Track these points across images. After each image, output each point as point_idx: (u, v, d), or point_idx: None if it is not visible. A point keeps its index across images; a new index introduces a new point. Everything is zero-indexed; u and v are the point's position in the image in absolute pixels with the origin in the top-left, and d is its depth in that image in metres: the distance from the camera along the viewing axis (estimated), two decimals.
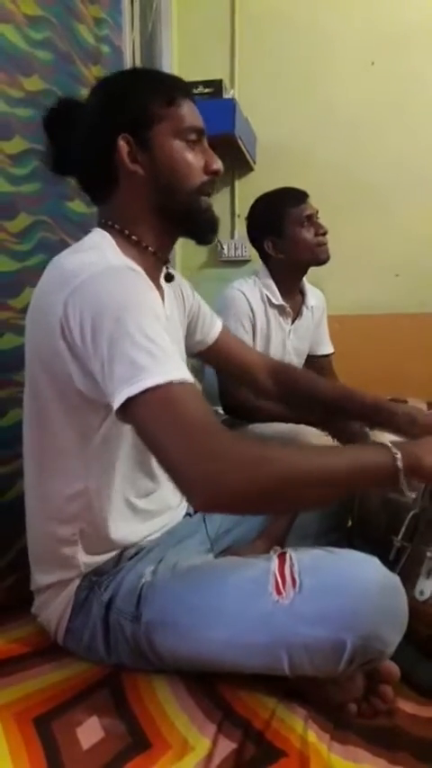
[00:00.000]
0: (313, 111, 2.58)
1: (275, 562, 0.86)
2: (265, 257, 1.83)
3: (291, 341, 1.88)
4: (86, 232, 1.00)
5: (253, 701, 0.89)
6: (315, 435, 1.53)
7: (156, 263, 1.02)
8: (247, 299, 1.75)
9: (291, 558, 0.86)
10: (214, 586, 0.89)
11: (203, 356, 1.29)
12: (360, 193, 2.57)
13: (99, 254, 0.89)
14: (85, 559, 0.98)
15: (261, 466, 0.76)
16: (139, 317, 0.79)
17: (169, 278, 1.07)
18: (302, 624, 0.80)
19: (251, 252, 2.62)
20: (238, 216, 2.69)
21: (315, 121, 2.58)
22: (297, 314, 1.89)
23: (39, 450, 0.97)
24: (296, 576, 0.83)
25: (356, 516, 1.29)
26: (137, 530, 1.03)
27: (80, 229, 1.50)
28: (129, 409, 0.77)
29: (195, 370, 2.03)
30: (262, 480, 0.75)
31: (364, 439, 1.39)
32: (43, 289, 0.90)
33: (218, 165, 1.00)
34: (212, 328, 1.26)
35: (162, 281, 1.07)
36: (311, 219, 1.76)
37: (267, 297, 1.80)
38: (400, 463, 0.80)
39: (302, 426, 1.56)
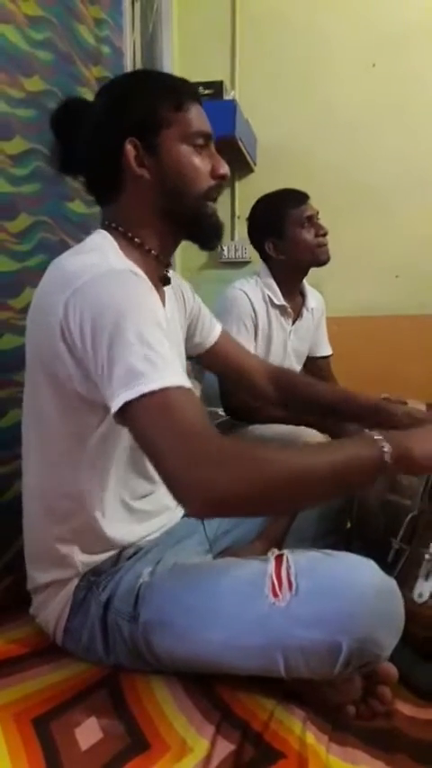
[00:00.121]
0: (313, 113, 2.59)
1: (272, 564, 0.86)
2: (265, 258, 1.83)
3: (291, 341, 1.88)
4: (87, 232, 1.00)
5: (251, 702, 0.89)
6: (315, 437, 1.53)
7: (157, 267, 1.02)
8: (250, 299, 1.76)
9: (287, 561, 0.85)
10: (211, 587, 0.89)
11: (202, 359, 1.29)
12: (360, 194, 2.57)
13: (101, 256, 0.89)
14: (82, 558, 0.98)
15: (254, 471, 0.75)
16: (139, 322, 0.79)
17: (166, 281, 1.07)
18: (298, 626, 0.80)
19: (251, 253, 2.63)
20: (239, 217, 2.70)
21: (315, 123, 2.59)
22: (298, 315, 1.89)
23: (37, 450, 0.97)
24: (293, 579, 0.83)
25: (355, 518, 1.29)
26: (134, 530, 1.03)
27: (80, 230, 1.50)
28: (126, 413, 0.77)
29: (196, 372, 2.03)
30: (258, 483, 0.75)
31: None
32: (44, 289, 0.90)
33: (225, 169, 0.99)
34: (212, 331, 1.26)
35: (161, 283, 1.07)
36: (312, 220, 1.76)
37: (269, 297, 1.80)
38: (387, 456, 0.79)
39: (303, 428, 1.56)
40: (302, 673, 0.82)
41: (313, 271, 1.84)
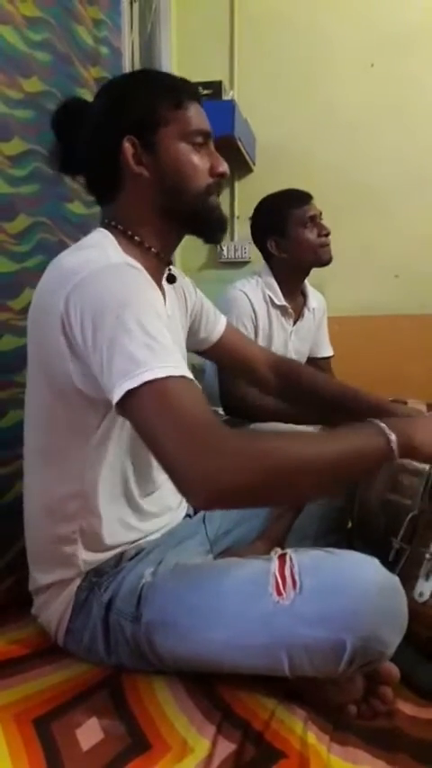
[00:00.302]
0: (313, 113, 2.59)
1: (276, 563, 0.86)
2: (267, 257, 1.84)
3: (292, 342, 1.88)
4: (86, 233, 1.00)
5: (252, 702, 0.89)
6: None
7: (158, 265, 1.02)
8: (250, 300, 1.76)
9: (291, 559, 0.85)
10: (214, 587, 0.89)
11: (208, 354, 1.30)
12: (359, 194, 2.57)
13: (100, 252, 0.89)
14: (86, 557, 0.98)
15: (261, 457, 0.75)
16: (140, 313, 0.80)
17: (171, 279, 1.08)
18: (302, 625, 0.80)
19: (251, 253, 2.63)
20: (238, 217, 2.70)
21: (315, 123, 2.58)
22: (299, 315, 1.89)
23: (38, 449, 0.97)
24: (296, 577, 0.83)
25: (356, 518, 1.28)
26: (136, 530, 1.03)
27: (79, 230, 1.50)
28: (127, 404, 0.77)
29: (195, 370, 2.03)
30: (263, 472, 0.75)
31: None
32: (44, 288, 0.90)
33: (224, 167, 1.00)
34: (216, 325, 1.26)
35: (164, 282, 1.07)
36: (315, 220, 1.77)
37: (270, 297, 1.80)
38: (394, 444, 0.80)
39: (302, 427, 1.56)
40: (307, 671, 0.82)
41: (315, 271, 1.85)
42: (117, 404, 0.78)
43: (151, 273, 0.95)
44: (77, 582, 0.98)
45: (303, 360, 1.98)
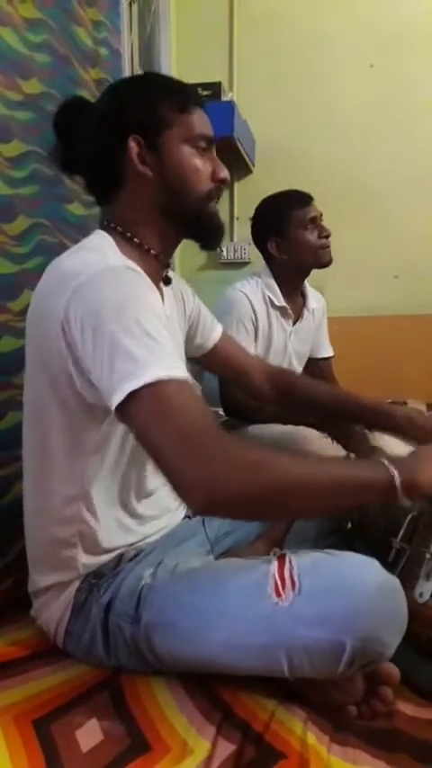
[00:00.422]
0: (312, 114, 2.59)
1: (275, 564, 0.86)
2: (267, 258, 1.84)
3: (292, 343, 1.88)
4: (85, 234, 1.00)
5: (252, 702, 0.89)
6: (316, 437, 1.53)
7: (157, 267, 1.02)
8: (250, 301, 1.76)
9: (290, 561, 0.85)
10: (214, 588, 0.89)
11: (203, 360, 1.29)
12: (359, 195, 2.57)
13: (99, 255, 0.89)
14: (84, 560, 0.98)
15: (260, 470, 0.76)
16: (139, 316, 0.80)
17: (167, 281, 1.07)
18: (302, 626, 0.80)
19: (250, 254, 2.63)
20: (237, 218, 2.70)
21: (314, 124, 2.59)
22: (298, 316, 1.89)
23: (37, 452, 0.97)
24: (296, 578, 0.83)
25: (356, 518, 1.28)
26: (135, 532, 1.03)
27: (79, 232, 1.50)
28: (127, 408, 0.77)
29: (195, 372, 2.03)
30: (260, 485, 0.75)
31: (364, 440, 1.39)
32: (43, 290, 0.90)
33: (225, 173, 1.00)
34: (212, 332, 1.26)
35: (162, 284, 1.07)
36: (315, 222, 1.77)
37: (269, 298, 1.80)
38: (397, 482, 0.80)
39: (303, 428, 1.56)
40: (306, 672, 0.82)
41: (315, 271, 1.85)
42: (117, 407, 0.78)
43: (150, 275, 0.94)
44: (76, 584, 0.98)
45: (303, 360, 1.98)
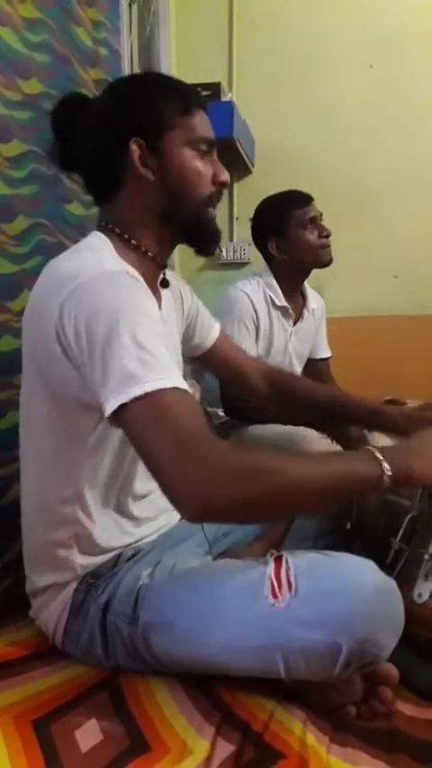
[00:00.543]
0: (311, 114, 2.59)
1: (272, 565, 0.86)
2: (268, 258, 1.84)
3: (292, 343, 1.89)
4: (84, 234, 1.00)
5: (252, 703, 0.89)
6: (315, 437, 1.53)
7: (154, 269, 1.02)
8: (251, 300, 1.76)
9: (287, 562, 0.85)
10: (211, 589, 0.89)
11: (200, 360, 1.29)
12: (358, 195, 2.57)
13: (96, 258, 0.89)
14: (81, 561, 0.98)
15: (255, 476, 0.75)
16: (133, 324, 0.79)
17: (165, 283, 1.07)
18: (298, 627, 0.80)
19: (250, 254, 2.63)
20: (237, 219, 2.70)
21: (313, 124, 2.58)
22: (299, 316, 1.89)
23: (34, 453, 0.97)
24: (292, 580, 0.83)
25: (355, 519, 1.29)
26: (132, 532, 1.03)
27: (78, 232, 1.50)
28: (120, 416, 0.77)
29: (195, 372, 2.03)
30: (255, 491, 0.75)
31: (363, 441, 1.39)
32: (39, 292, 0.90)
33: (225, 176, 1.00)
34: (210, 332, 1.26)
35: (159, 286, 1.07)
36: (315, 222, 1.77)
37: (270, 298, 1.80)
38: (387, 474, 0.80)
39: (302, 428, 1.56)
40: (303, 674, 0.82)
41: (314, 272, 1.85)
42: (111, 416, 0.78)
43: (146, 278, 0.94)
44: (74, 584, 0.98)
45: (303, 361, 1.98)
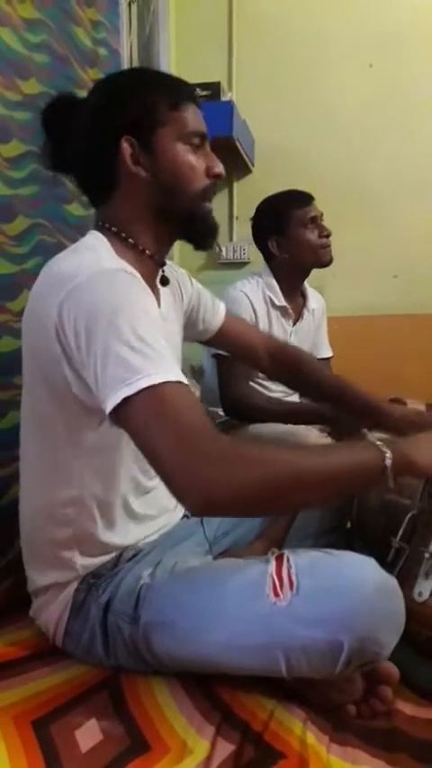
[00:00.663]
0: (311, 114, 2.59)
1: (273, 564, 0.86)
2: (268, 257, 1.84)
3: (292, 343, 1.88)
4: (84, 235, 1.00)
5: (252, 702, 0.89)
6: (315, 436, 1.53)
7: (152, 267, 1.02)
8: (250, 300, 1.76)
9: (288, 560, 0.85)
10: (212, 588, 0.89)
11: (210, 343, 1.31)
12: (358, 195, 2.57)
13: (94, 257, 0.89)
14: (82, 561, 0.98)
15: (256, 468, 0.76)
16: (133, 320, 0.79)
17: (164, 281, 1.07)
18: (300, 626, 0.80)
19: (250, 254, 2.63)
20: (237, 218, 2.70)
21: (313, 123, 2.58)
22: (298, 316, 1.89)
23: (35, 453, 0.97)
24: (293, 578, 0.83)
25: (355, 518, 1.28)
26: (133, 532, 1.03)
27: (78, 232, 1.49)
28: (122, 412, 0.77)
29: (194, 371, 2.03)
30: (257, 483, 0.75)
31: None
32: (38, 292, 0.90)
33: (220, 168, 0.99)
34: (216, 316, 1.26)
35: (158, 283, 1.07)
36: (316, 221, 1.77)
37: (270, 298, 1.80)
38: (388, 461, 0.80)
39: (303, 427, 1.56)
40: (304, 672, 0.82)
41: (314, 271, 1.85)
42: (112, 412, 0.77)
43: (145, 276, 0.94)
44: (75, 584, 0.98)
45: None
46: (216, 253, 2.68)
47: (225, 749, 0.80)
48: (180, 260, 2.63)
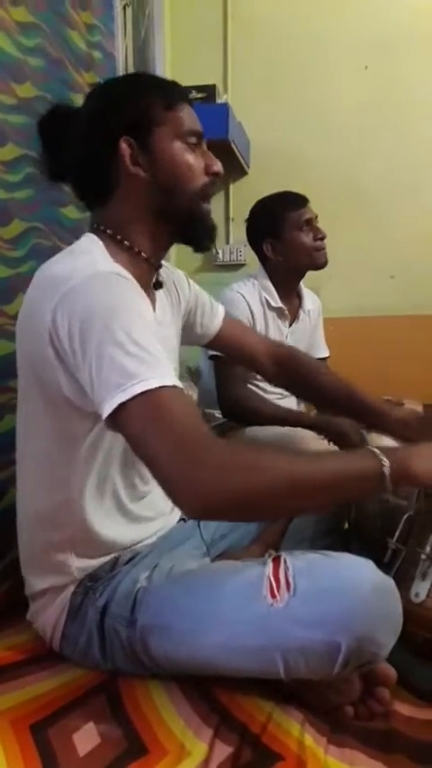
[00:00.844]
0: (307, 115, 2.60)
1: (270, 566, 0.86)
2: (263, 260, 1.84)
3: (288, 344, 1.88)
4: (79, 238, 1.00)
5: (250, 704, 0.89)
6: (313, 439, 1.53)
7: (148, 270, 1.02)
8: (247, 302, 1.76)
9: (285, 562, 0.86)
10: (209, 591, 0.89)
11: (208, 347, 1.31)
12: (354, 196, 2.58)
13: (88, 260, 0.89)
14: (78, 564, 0.98)
15: (253, 473, 0.76)
16: (128, 324, 0.79)
17: (158, 285, 1.07)
18: (297, 627, 0.80)
19: (246, 256, 2.63)
20: (233, 220, 2.70)
21: (308, 125, 2.59)
22: (295, 317, 1.89)
23: (30, 456, 0.97)
24: (291, 580, 0.83)
25: (353, 519, 1.29)
26: (129, 535, 1.03)
27: (74, 235, 1.49)
28: (118, 417, 0.77)
29: (191, 373, 2.03)
30: (254, 487, 0.75)
31: (363, 444, 1.39)
32: (32, 295, 0.90)
33: (218, 166, 1.00)
34: (214, 320, 1.25)
35: (153, 287, 1.07)
36: (310, 224, 1.77)
37: (266, 299, 1.81)
38: (386, 470, 0.79)
39: (300, 430, 1.56)
40: (302, 673, 0.82)
41: (311, 273, 1.85)
42: (108, 417, 0.77)
43: (140, 279, 0.94)
44: (72, 587, 0.98)
45: None
46: (212, 255, 2.69)
47: (223, 751, 0.80)
48: (176, 262, 2.64)
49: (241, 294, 1.77)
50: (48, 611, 0.99)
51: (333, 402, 1.32)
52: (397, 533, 1.03)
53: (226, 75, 2.65)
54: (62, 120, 1.00)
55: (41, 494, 0.96)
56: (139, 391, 0.75)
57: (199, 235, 1.02)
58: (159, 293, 1.08)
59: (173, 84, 1.00)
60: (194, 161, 0.97)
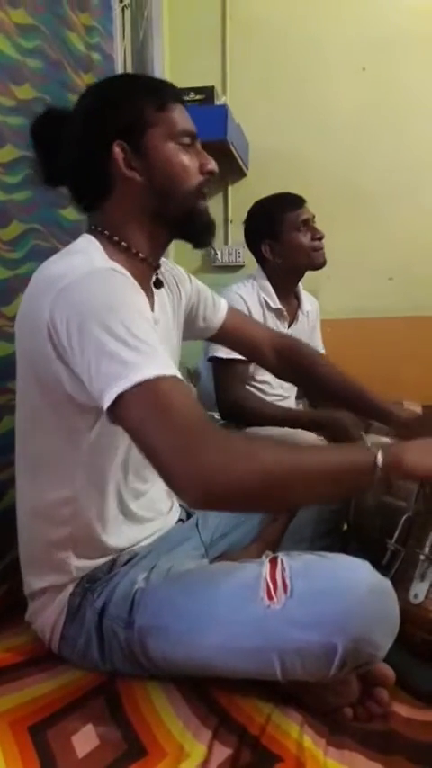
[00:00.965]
0: (305, 117, 2.60)
1: (267, 567, 0.86)
2: (261, 261, 1.84)
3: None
4: None
5: (249, 706, 0.89)
6: (311, 439, 1.53)
7: (146, 270, 1.02)
8: (246, 303, 1.76)
9: (282, 563, 0.85)
10: (206, 592, 0.89)
11: (213, 340, 1.32)
12: (353, 198, 2.58)
13: (85, 258, 0.89)
14: (77, 563, 0.98)
15: (253, 461, 0.76)
16: (125, 317, 0.80)
17: (158, 284, 1.07)
18: (294, 628, 0.80)
19: (245, 257, 2.63)
20: (231, 221, 2.71)
21: (307, 127, 2.60)
22: (293, 318, 1.90)
23: (30, 455, 0.98)
24: (287, 581, 0.83)
25: (352, 520, 1.29)
26: (128, 535, 1.03)
27: (72, 237, 1.48)
28: (118, 408, 0.77)
29: (190, 375, 2.03)
30: (254, 476, 0.76)
31: (362, 443, 1.39)
32: (30, 294, 0.90)
33: (212, 165, 1.00)
34: (216, 314, 1.26)
35: (153, 286, 1.07)
36: (308, 224, 1.78)
37: (265, 300, 1.81)
38: (379, 461, 0.80)
39: (299, 431, 1.57)
40: (298, 675, 0.82)
41: (309, 274, 1.85)
42: (108, 409, 0.78)
43: (138, 279, 0.94)
44: (71, 588, 0.98)
45: None
46: (211, 256, 2.69)
47: (222, 753, 0.80)
48: (175, 263, 2.64)
49: (240, 295, 1.77)
50: (47, 612, 0.99)
51: (334, 394, 1.33)
52: (396, 534, 1.03)
53: (224, 77, 2.65)
54: (55, 123, 1.00)
55: (42, 492, 0.96)
56: (137, 381, 0.76)
57: (198, 231, 1.03)
58: (160, 292, 1.08)
59: (164, 85, 1.00)
60: (189, 161, 0.98)
